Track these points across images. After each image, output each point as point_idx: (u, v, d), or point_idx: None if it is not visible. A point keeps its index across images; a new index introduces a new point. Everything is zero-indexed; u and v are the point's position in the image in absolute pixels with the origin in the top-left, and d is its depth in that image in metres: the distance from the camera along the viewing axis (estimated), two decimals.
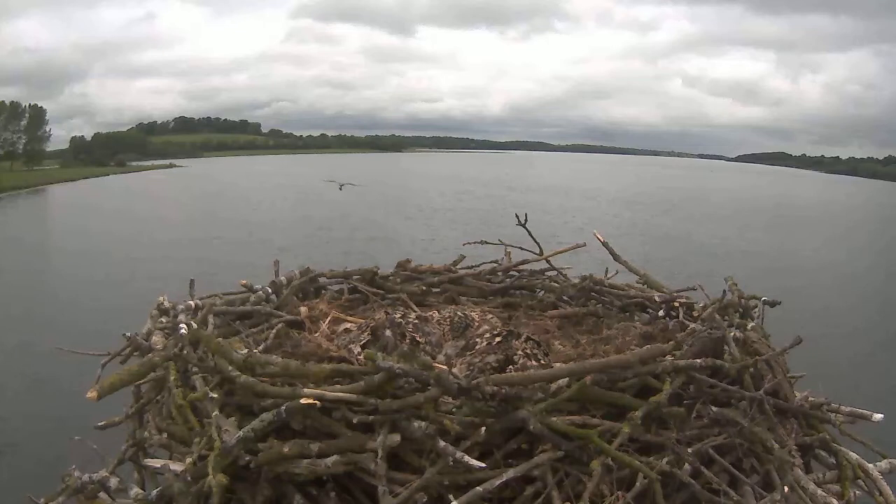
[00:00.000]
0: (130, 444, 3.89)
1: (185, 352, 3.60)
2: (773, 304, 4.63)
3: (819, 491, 3.30)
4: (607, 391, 3.27)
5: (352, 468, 3.04)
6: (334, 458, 3.00)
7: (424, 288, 5.60)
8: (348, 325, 4.59)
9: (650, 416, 3.17)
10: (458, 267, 5.89)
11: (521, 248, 5.95)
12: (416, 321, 4.32)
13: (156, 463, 3.54)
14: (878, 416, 3.72)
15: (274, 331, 4.33)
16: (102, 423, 3.90)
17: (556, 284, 5.71)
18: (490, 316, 4.85)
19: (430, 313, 4.72)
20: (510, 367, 3.68)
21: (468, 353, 4.00)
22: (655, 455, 3.11)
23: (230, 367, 3.32)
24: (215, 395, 3.29)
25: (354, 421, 3.06)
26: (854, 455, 3.61)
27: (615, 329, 4.65)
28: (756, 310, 4.60)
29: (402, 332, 4.07)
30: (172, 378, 3.49)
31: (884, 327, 17.60)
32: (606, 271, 5.67)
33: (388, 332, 4.01)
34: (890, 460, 3.69)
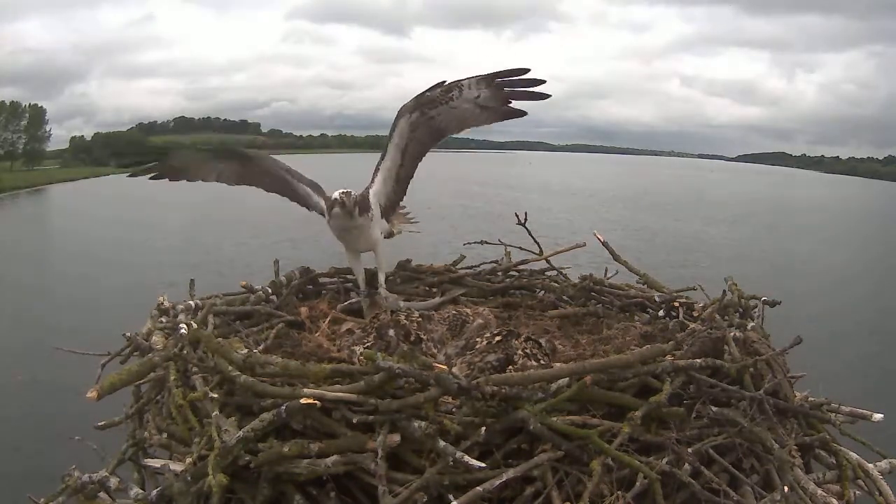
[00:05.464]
0: (130, 444, 3.88)
1: (185, 352, 3.60)
2: (773, 304, 4.61)
3: (819, 491, 3.30)
4: (607, 391, 3.26)
5: (352, 468, 3.03)
6: (334, 458, 3.00)
7: (425, 288, 5.60)
8: (349, 326, 4.59)
9: (650, 416, 3.17)
10: (458, 267, 5.88)
11: (520, 248, 5.94)
12: (419, 319, 4.33)
13: (156, 463, 3.53)
14: (878, 416, 3.71)
15: (274, 331, 4.33)
16: (102, 423, 3.89)
17: (555, 284, 5.69)
18: (482, 309, 4.82)
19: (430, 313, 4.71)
20: (510, 367, 3.68)
21: (468, 352, 4.00)
22: (655, 455, 3.10)
23: (230, 367, 3.32)
24: (215, 395, 3.28)
25: (354, 421, 3.05)
26: (854, 455, 3.61)
27: (615, 329, 4.63)
28: (756, 310, 4.59)
29: (405, 332, 4.07)
30: (172, 378, 3.49)
31: (884, 327, 17.60)
32: (606, 271, 5.66)
33: (391, 333, 4.01)
34: (890, 460, 3.69)
